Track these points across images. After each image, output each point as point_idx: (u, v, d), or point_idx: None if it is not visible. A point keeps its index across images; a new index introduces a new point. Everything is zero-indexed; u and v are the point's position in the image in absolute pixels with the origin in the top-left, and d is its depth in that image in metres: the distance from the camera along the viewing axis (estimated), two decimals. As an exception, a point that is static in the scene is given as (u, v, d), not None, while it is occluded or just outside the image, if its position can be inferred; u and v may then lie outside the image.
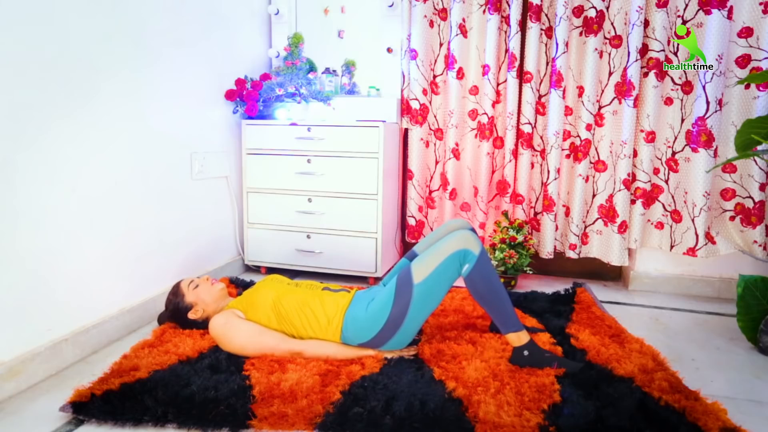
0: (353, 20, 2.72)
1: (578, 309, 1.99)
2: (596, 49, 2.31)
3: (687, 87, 2.23)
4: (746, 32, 2.10)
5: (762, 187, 2.14)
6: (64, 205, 1.55)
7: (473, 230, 1.74)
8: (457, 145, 2.58)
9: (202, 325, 1.71)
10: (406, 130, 2.67)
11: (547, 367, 1.45)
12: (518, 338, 1.49)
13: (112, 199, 1.74)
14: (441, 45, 2.58)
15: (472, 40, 2.52)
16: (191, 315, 1.70)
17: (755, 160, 2.12)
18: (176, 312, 1.72)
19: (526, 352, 1.48)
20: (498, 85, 2.51)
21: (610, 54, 2.33)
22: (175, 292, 1.74)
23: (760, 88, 2.09)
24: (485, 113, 2.48)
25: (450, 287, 1.53)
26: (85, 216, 1.63)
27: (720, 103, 2.11)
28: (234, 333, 1.56)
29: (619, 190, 2.32)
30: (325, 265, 2.46)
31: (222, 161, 2.40)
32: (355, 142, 2.33)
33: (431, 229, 2.69)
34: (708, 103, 2.11)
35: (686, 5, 2.18)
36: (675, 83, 2.26)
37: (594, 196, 2.44)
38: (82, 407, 1.26)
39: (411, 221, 2.67)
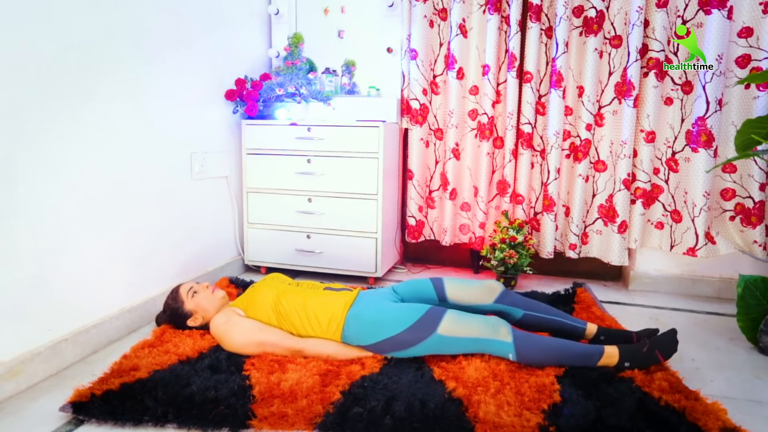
0: (353, 20, 2.72)
1: (578, 309, 1.99)
2: (596, 49, 2.31)
3: (687, 87, 2.23)
4: (746, 32, 2.10)
5: (762, 187, 2.14)
6: (64, 205, 1.55)
7: (502, 312, 1.70)
8: (457, 145, 2.58)
9: (202, 325, 1.72)
10: (406, 130, 2.67)
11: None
12: (609, 358, 1.44)
13: (112, 198, 1.74)
14: (441, 45, 2.58)
15: (472, 40, 2.52)
16: (190, 323, 1.70)
17: (755, 160, 2.12)
18: (175, 317, 1.72)
19: (627, 364, 1.44)
20: (498, 85, 2.50)
21: (610, 54, 2.33)
22: (174, 297, 1.73)
23: (760, 88, 2.09)
24: (485, 113, 2.48)
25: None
26: (85, 216, 1.63)
27: (720, 103, 2.11)
28: (235, 331, 1.56)
29: (619, 190, 2.32)
30: (325, 265, 2.46)
31: (222, 161, 2.40)
32: (355, 142, 2.33)
33: (431, 230, 2.69)
34: (708, 103, 2.11)
35: (686, 5, 2.18)
36: (675, 83, 2.26)
37: (594, 196, 2.44)
38: (82, 407, 1.26)
39: (411, 221, 2.67)
